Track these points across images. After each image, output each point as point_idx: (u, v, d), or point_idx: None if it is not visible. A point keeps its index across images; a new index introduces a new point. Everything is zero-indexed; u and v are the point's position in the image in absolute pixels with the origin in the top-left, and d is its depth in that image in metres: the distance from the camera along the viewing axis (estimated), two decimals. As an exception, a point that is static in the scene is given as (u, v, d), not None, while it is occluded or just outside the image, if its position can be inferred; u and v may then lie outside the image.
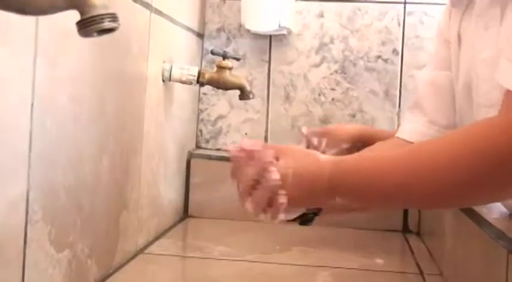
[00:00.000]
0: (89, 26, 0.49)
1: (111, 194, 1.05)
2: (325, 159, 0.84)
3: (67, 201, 0.88)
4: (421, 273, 1.21)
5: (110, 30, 0.51)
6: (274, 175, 0.83)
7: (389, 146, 1.14)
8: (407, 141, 1.14)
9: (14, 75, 0.72)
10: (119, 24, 0.51)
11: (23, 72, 0.74)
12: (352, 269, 1.21)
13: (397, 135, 1.18)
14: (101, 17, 0.49)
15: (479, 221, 0.93)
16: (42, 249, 0.81)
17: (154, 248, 1.26)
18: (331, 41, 1.69)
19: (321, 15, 1.69)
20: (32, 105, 0.76)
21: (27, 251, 0.77)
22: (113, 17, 0.50)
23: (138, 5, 1.12)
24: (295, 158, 0.84)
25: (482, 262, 0.89)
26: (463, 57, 1.03)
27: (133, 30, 1.11)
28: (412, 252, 1.38)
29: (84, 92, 0.92)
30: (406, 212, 1.59)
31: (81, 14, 0.49)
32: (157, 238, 1.33)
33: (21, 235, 0.75)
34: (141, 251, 1.22)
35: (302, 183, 0.83)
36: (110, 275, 1.06)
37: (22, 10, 0.47)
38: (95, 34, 0.51)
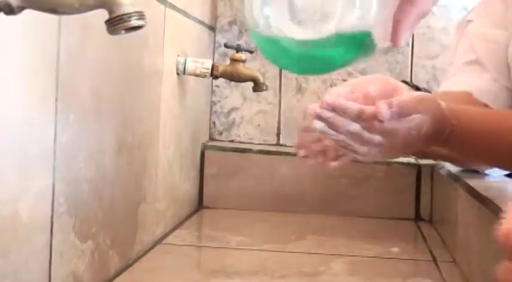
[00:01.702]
0: (117, 24, 0.51)
1: (129, 186, 1.07)
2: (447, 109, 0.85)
3: (89, 194, 0.90)
4: (435, 260, 1.23)
5: (137, 27, 0.53)
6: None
7: (454, 100, 1.05)
8: (471, 95, 1.10)
9: (40, 71, 0.74)
10: (145, 22, 0.53)
11: (48, 68, 0.76)
12: (367, 257, 1.23)
13: (458, 88, 1.12)
14: (128, 16, 0.51)
15: (495, 209, 0.94)
16: (67, 241, 0.83)
17: (171, 239, 1.29)
18: (342, 32, 1.70)
19: (332, 7, 1.70)
20: (57, 99, 0.78)
21: (53, 241, 0.79)
22: (140, 15, 0.52)
23: (153, 0, 1.14)
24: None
25: (497, 249, 0.91)
26: None
27: (149, 25, 1.12)
28: (425, 240, 1.40)
29: (104, 86, 0.94)
30: (418, 200, 1.60)
31: (110, 12, 0.51)
32: (174, 229, 1.35)
33: (47, 226, 0.78)
34: (159, 241, 1.25)
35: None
36: (130, 265, 1.08)
37: (54, 10, 0.50)
38: (123, 32, 0.53)
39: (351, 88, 0.89)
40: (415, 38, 1.68)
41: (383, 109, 0.82)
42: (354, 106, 0.83)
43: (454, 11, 1.63)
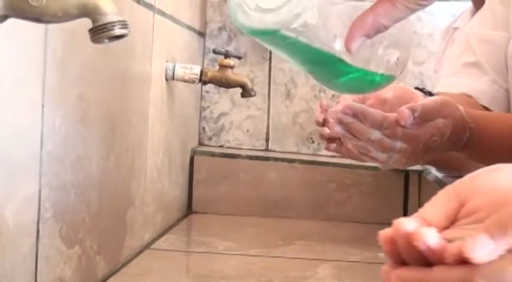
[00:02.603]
0: (100, 33, 0.52)
1: (117, 191, 1.08)
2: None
3: (76, 199, 0.90)
4: (421, 265, 1.24)
5: (121, 36, 0.53)
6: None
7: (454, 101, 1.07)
8: (470, 97, 1.10)
9: (26, 78, 0.75)
10: (129, 31, 0.53)
11: (34, 75, 0.77)
12: (354, 262, 1.24)
13: (457, 90, 1.11)
14: (111, 25, 0.52)
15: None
16: (54, 246, 0.84)
17: (160, 244, 1.29)
18: (331, 38, 1.71)
19: (321, 13, 1.72)
20: (43, 106, 0.78)
21: (39, 247, 0.79)
22: (123, 24, 0.53)
23: (141, 7, 1.15)
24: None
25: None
26: None
27: (138, 31, 1.14)
28: (412, 245, 1.41)
29: (91, 92, 0.95)
30: (405, 205, 1.61)
31: (93, 21, 0.52)
32: (162, 234, 1.36)
33: (33, 232, 0.78)
34: (148, 246, 1.25)
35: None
36: (118, 270, 1.08)
37: (38, 19, 0.50)
38: (106, 40, 0.53)
39: (366, 94, 0.89)
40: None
41: (406, 115, 0.81)
42: (376, 113, 0.83)
43: (441, 17, 1.65)
